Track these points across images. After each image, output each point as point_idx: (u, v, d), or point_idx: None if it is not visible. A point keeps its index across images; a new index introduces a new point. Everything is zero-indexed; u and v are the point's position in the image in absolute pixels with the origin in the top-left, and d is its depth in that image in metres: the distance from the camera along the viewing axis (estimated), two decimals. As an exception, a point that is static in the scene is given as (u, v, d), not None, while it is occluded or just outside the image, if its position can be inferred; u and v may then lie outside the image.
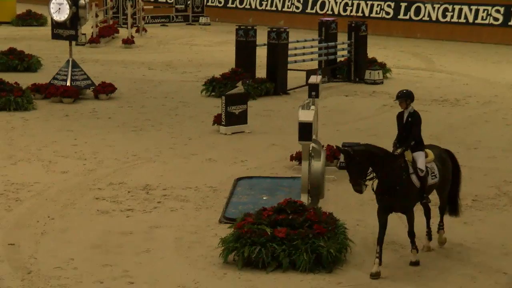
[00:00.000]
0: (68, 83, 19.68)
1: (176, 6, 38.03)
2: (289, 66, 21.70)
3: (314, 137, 12.20)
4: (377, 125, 17.33)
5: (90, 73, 20.75)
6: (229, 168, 14.02)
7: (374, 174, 9.35)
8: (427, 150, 9.72)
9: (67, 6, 19.56)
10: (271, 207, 10.13)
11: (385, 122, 17.74)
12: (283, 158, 14.57)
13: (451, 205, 10.33)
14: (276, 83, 21.15)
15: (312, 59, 23.19)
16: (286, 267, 9.45)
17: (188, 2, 37.71)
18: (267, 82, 21.05)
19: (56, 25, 19.99)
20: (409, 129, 9.63)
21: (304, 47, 22.99)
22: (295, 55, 22.34)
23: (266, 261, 9.48)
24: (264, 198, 12.17)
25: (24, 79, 20.21)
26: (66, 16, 19.62)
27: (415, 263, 9.61)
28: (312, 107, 12.51)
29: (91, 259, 9.76)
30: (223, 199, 12.16)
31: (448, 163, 10.03)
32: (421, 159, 9.51)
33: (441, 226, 10.24)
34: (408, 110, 9.70)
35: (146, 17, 34.67)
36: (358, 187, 9.31)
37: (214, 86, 20.52)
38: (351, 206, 11.76)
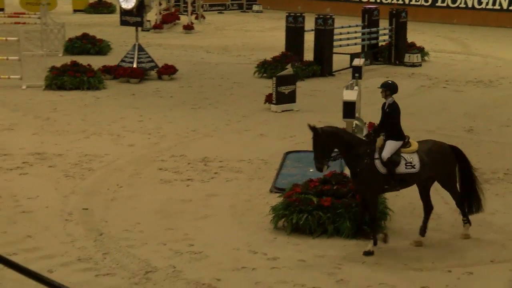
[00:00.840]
0: (135, 65, 19.83)
1: (232, -5, 38.01)
2: (334, 50, 21.53)
3: (357, 115, 12.09)
4: (415, 104, 17.09)
5: (154, 56, 20.86)
6: (279, 142, 14.00)
7: (337, 155, 9.03)
8: (412, 141, 9.14)
9: (135, -5, 19.68)
10: (317, 179, 10.10)
11: (422, 102, 17.52)
12: (328, 134, 14.49)
13: (469, 203, 9.48)
14: (322, 66, 21.02)
15: (355, 44, 22.99)
16: (330, 233, 9.43)
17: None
18: (314, 64, 20.93)
19: (124, 12, 20.12)
20: (387, 119, 9.16)
21: (348, 33, 22.80)
22: (340, 39, 22.17)
23: (312, 227, 9.47)
24: (311, 170, 12.07)
25: (96, 62, 20.43)
26: (133, 4, 19.73)
27: (368, 253, 8.88)
28: (356, 87, 12.39)
29: (155, 223, 9.87)
30: (274, 170, 12.16)
31: (448, 158, 9.22)
32: (388, 148, 8.95)
33: (464, 221, 9.46)
34: (388, 101, 9.18)
35: (204, 5, 34.68)
36: (319, 165, 8.93)
37: (266, 68, 20.48)
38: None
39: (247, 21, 34.10)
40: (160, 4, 30.82)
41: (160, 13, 30.66)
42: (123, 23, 20.37)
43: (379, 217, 9.39)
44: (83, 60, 19.73)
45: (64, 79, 18.19)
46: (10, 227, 9.51)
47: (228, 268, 8.52)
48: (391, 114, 9.09)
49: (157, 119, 15.63)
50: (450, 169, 9.30)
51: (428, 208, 9.34)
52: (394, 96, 9.22)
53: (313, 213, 9.50)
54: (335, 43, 21.60)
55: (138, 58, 20.00)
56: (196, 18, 32.55)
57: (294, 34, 21.18)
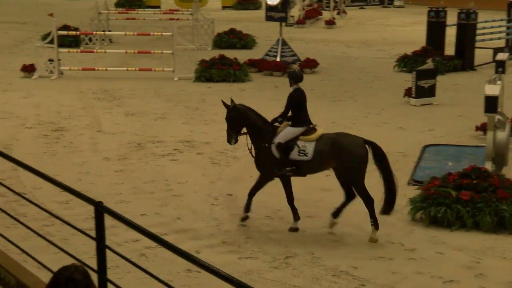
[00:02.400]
0: (278, 59, 20.01)
1: (373, -9, 37.47)
2: (477, 44, 20.72)
3: (499, 109, 11.58)
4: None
5: (296, 50, 20.95)
6: (417, 136, 13.66)
7: (244, 132, 9.21)
8: (318, 131, 9.00)
9: (279, -8, 19.85)
10: (456, 172, 9.77)
11: None
12: (468, 128, 13.98)
13: (385, 204, 8.85)
14: (463, 60, 20.30)
15: (499, 38, 21.99)
16: (469, 227, 9.10)
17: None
18: (455, 59, 20.26)
19: (269, 8, 20.33)
20: (286, 106, 9.19)
21: (492, 27, 21.85)
22: (483, 34, 21.29)
23: (450, 220, 9.18)
24: (450, 164, 11.76)
25: (242, 55, 20.80)
26: (278, 0, 19.89)
27: (243, 219, 9.22)
28: (499, 82, 11.85)
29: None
30: (412, 163, 11.88)
31: (354, 153, 8.72)
32: (283, 134, 8.97)
33: (371, 222, 8.79)
34: (292, 88, 9.27)
35: (346, 0, 34.40)
36: (229, 138, 9.32)
37: (406, 62, 20.05)
38: (533, 175, 11.07)
39: (388, 16, 33.49)
40: (304, 0, 30.89)
41: (304, 9, 30.74)
42: (268, 18, 20.59)
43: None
44: (230, 53, 20.13)
45: (212, 71, 18.65)
46: (162, 209, 9.88)
47: (365, 257, 8.42)
48: (288, 102, 9.17)
49: (299, 111, 15.66)
50: (354, 165, 8.78)
51: (349, 196, 9.06)
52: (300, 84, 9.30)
53: (451, 206, 9.21)
54: (477, 38, 20.78)
55: (281, 52, 20.17)
56: (338, 13, 32.36)
57: (435, 29, 20.57)
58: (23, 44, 24.06)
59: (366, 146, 8.90)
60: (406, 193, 10.27)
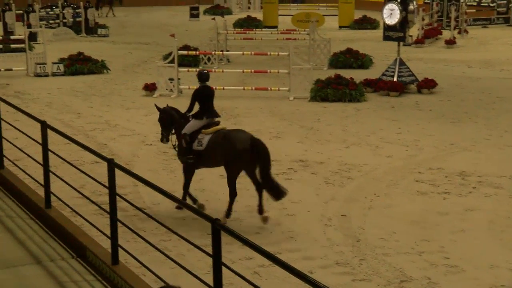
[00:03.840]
0: (395, 79, 19.75)
1: (498, 9, 36.30)
2: None
3: None
4: None
5: (414, 70, 20.60)
6: (543, 160, 13.07)
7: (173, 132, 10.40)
8: (220, 126, 10.11)
9: (398, 12, 19.63)
10: None
11: None
12: None
13: (269, 193, 9.77)
14: None
15: None
16: None
17: (510, 5, 35.74)
18: None
19: (387, 28, 20.14)
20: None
21: None
22: None
23: None
24: None
25: (358, 75, 20.68)
26: (396, 20, 19.69)
27: (179, 207, 10.03)
28: None
29: (410, 233, 9.70)
30: (537, 188, 11.38)
31: (238, 149, 9.60)
32: (187, 125, 10.15)
33: (226, 211, 9.85)
34: (199, 85, 10.44)
35: (468, 19, 33.53)
36: (161, 138, 10.62)
37: (531, 82, 19.27)
38: None
39: (512, 35, 32.35)
40: (423, 19, 30.37)
41: (423, 28, 30.21)
42: (386, 38, 20.39)
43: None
44: (346, 73, 20.06)
45: (328, 91, 18.64)
46: (276, 228, 9.94)
47: (485, 285, 8.12)
48: (192, 97, 10.32)
49: (415, 132, 15.39)
50: (231, 158, 9.70)
51: (259, 188, 9.81)
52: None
53: None
54: None
55: (398, 72, 19.90)
56: (459, 32, 31.57)
57: None
58: (145, 64, 25.01)
59: (250, 144, 9.66)
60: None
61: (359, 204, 10.91)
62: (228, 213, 9.85)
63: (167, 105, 10.78)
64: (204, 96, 10.23)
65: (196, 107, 10.46)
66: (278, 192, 9.78)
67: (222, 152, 9.76)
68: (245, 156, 9.63)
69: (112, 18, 41.03)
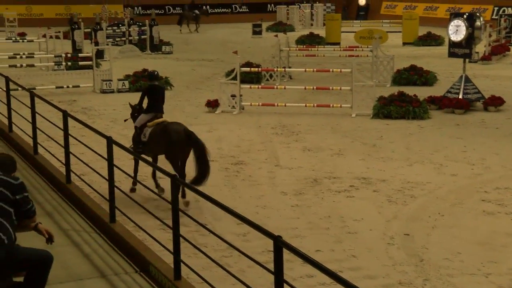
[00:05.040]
0: (460, 96, 19.43)
1: None
2: None
3: None
4: None
5: (480, 87, 20.23)
6: None
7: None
8: (162, 120, 11.34)
9: (464, 28, 19.35)
10: None
11: None
12: None
13: (195, 178, 10.70)
14: None
15: None
16: None
17: None
18: None
19: (453, 44, 19.87)
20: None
21: None
22: None
23: None
24: None
25: (422, 92, 20.43)
26: (462, 36, 19.40)
27: (132, 190, 11.29)
28: None
29: (476, 254, 9.49)
30: None
31: (175, 140, 10.78)
32: (138, 119, 11.61)
33: (182, 195, 10.72)
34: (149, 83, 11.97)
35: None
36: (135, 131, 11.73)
37: None
38: None
39: None
40: (490, 35, 29.85)
41: (490, 45, 29.68)
42: (451, 55, 20.10)
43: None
44: (410, 90, 19.85)
45: (391, 108, 18.48)
46: (337, 246, 9.88)
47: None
48: (141, 93, 11.86)
49: (482, 150, 15.09)
50: (167, 148, 10.90)
51: (181, 176, 10.70)
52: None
53: None
54: None
55: (464, 89, 19.57)
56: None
57: None
58: (208, 80, 25.29)
59: (184, 134, 10.80)
60: None
61: (422, 223, 10.74)
62: (183, 194, 10.92)
63: (129, 102, 12.66)
64: (152, 93, 11.62)
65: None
66: (200, 180, 10.73)
67: (161, 143, 11.00)
68: (180, 145, 10.84)
69: (178, 35, 41.64)
